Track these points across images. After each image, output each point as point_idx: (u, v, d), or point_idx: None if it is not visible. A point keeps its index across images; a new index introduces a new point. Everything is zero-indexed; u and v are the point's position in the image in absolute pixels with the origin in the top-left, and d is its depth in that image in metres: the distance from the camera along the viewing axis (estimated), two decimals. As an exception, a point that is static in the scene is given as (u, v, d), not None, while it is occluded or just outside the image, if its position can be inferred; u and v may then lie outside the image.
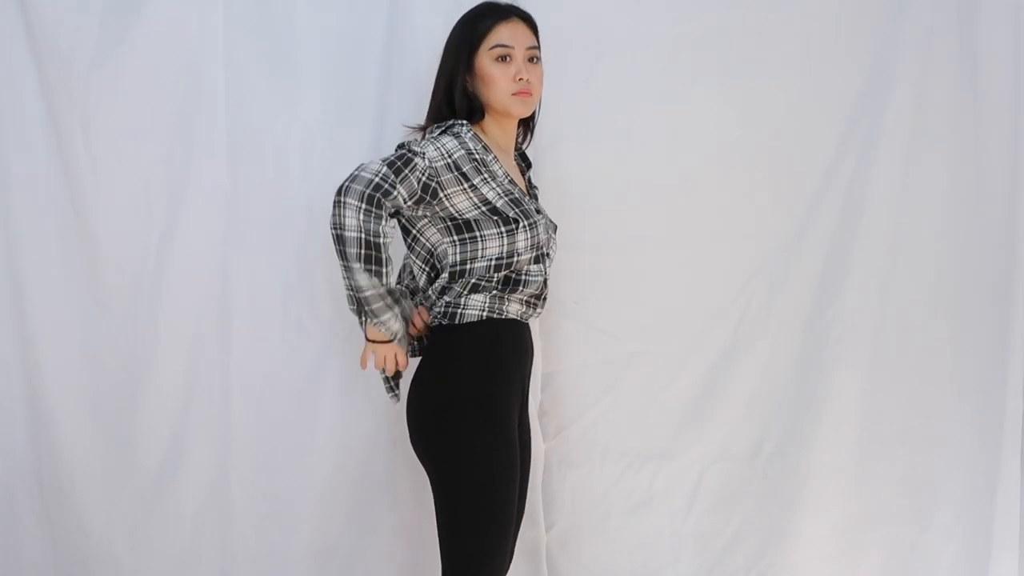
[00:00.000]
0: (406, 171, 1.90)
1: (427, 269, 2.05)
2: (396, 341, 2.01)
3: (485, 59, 2.00)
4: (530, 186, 2.19)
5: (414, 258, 2.05)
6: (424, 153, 1.92)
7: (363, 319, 1.96)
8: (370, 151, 2.35)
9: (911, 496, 2.53)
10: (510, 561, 2.12)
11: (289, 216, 2.38)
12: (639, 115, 2.43)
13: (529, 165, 2.22)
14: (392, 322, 1.98)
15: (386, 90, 2.35)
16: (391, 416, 2.36)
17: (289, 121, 2.36)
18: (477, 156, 1.96)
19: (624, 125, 2.43)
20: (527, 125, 2.19)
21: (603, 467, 2.51)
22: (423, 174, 1.92)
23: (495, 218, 1.96)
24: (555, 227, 2.15)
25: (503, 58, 1.99)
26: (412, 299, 2.08)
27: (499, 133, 2.07)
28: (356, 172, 1.91)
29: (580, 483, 2.51)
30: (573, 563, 2.52)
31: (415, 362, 2.08)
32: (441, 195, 1.94)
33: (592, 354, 2.49)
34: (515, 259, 1.97)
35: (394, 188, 1.89)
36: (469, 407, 1.94)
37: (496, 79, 1.99)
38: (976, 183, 2.45)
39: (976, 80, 2.42)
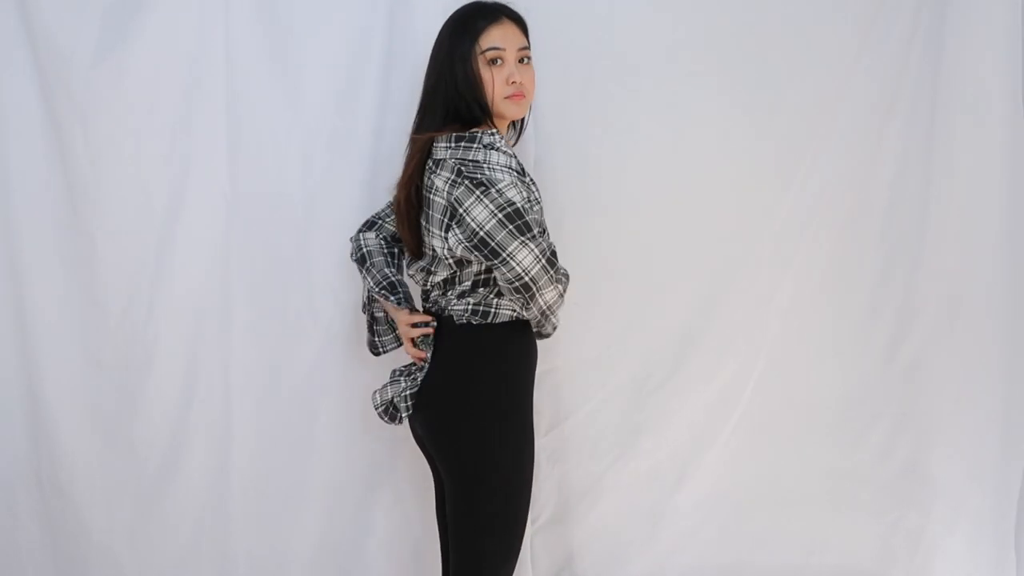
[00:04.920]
0: (535, 229, 1.91)
1: (451, 269, 1.99)
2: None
3: (477, 62, 1.95)
4: None
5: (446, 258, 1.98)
6: (526, 207, 1.91)
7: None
8: (370, 151, 2.35)
9: (913, 487, 2.54)
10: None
11: (289, 216, 2.37)
12: (639, 117, 2.42)
13: None
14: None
15: (386, 91, 2.35)
16: (391, 416, 2.37)
17: (290, 121, 2.35)
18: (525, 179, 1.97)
19: (624, 127, 2.42)
20: (515, 125, 2.15)
21: (592, 461, 2.51)
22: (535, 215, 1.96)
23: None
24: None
25: (495, 61, 1.96)
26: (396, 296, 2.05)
27: None
28: (547, 276, 1.93)
29: (566, 477, 2.51)
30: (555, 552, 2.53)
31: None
32: None
33: (586, 352, 2.48)
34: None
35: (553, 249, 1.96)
36: (504, 408, 1.93)
37: (488, 83, 1.95)
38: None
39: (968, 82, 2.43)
